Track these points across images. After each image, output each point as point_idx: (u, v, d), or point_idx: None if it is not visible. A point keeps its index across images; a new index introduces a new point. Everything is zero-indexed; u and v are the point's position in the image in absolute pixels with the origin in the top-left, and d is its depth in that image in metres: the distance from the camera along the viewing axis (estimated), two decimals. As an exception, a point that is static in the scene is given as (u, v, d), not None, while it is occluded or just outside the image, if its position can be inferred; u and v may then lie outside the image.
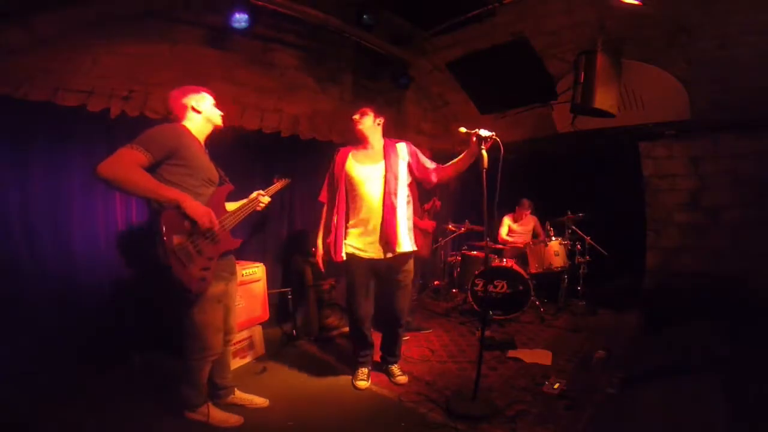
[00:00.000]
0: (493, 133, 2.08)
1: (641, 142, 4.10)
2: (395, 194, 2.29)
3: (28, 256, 2.39)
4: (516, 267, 3.79)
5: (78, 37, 2.33)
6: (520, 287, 3.70)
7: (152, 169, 1.67)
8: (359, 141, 2.40)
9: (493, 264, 3.84)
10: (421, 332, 3.44)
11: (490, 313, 3.67)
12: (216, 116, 1.92)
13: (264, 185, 2.23)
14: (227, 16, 2.64)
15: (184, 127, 1.83)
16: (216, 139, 1.99)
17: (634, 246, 4.15)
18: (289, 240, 3.76)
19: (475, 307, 3.81)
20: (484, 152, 2.08)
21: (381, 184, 2.29)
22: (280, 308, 3.40)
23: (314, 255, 2.47)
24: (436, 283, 4.81)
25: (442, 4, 3.03)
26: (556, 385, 2.32)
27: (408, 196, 2.38)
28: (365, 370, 2.49)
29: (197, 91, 1.90)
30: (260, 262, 2.99)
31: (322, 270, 2.47)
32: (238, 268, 2.17)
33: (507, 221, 4.68)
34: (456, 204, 5.30)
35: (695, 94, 3.33)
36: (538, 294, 3.97)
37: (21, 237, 2.37)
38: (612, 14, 2.81)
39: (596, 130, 3.84)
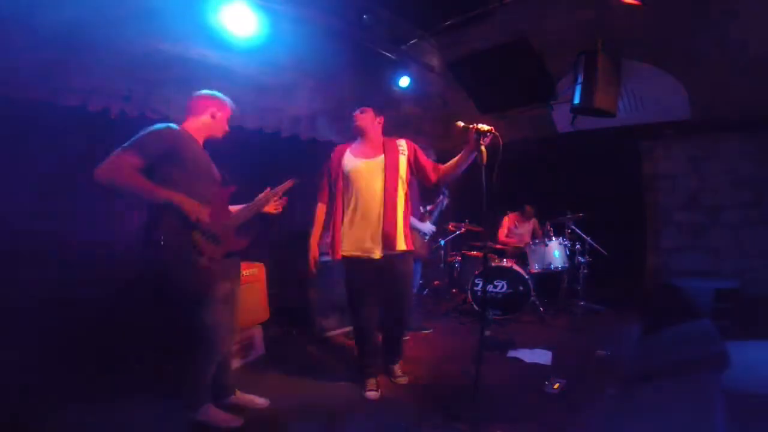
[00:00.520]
0: (492, 128, 2.00)
1: (641, 142, 4.10)
2: (394, 190, 2.24)
3: (28, 255, 2.38)
4: (516, 267, 3.80)
5: (78, 37, 2.33)
6: (520, 287, 3.70)
7: (149, 169, 1.68)
8: (359, 136, 2.36)
9: (493, 264, 3.85)
10: (421, 332, 3.44)
11: (490, 313, 3.67)
12: (221, 130, 1.96)
13: (264, 186, 2.21)
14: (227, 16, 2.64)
15: (182, 127, 1.84)
16: (216, 138, 2.00)
17: (634, 246, 4.15)
18: (289, 240, 3.76)
19: (475, 307, 3.81)
20: (483, 148, 2.01)
21: (381, 177, 2.23)
22: (280, 308, 3.40)
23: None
24: (436, 283, 4.82)
25: (442, 4, 3.02)
26: (556, 385, 2.32)
27: (406, 194, 2.33)
28: (374, 380, 2.36)
29: (223, 101, 1.96)
30: (260, 262, 2.99)
31: (313, 272, 2.38)
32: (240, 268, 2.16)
33: (507, 221, 4.68)
34: (456, 204, 5.29)
35: (695, 94, 3.33)
36: (538, 294, 3.97)
37: (21, 237, 2.37)
38: (612, 14, 2.80)
39: (596, 130, 3.85)
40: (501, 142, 2.02)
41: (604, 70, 2.89)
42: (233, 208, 2.06)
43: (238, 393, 2.18)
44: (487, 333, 3.34)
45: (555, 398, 2.25)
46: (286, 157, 3.45)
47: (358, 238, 2.25)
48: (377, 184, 2.23)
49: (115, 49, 2.48)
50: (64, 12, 2.17)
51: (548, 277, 4.06)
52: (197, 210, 1.70)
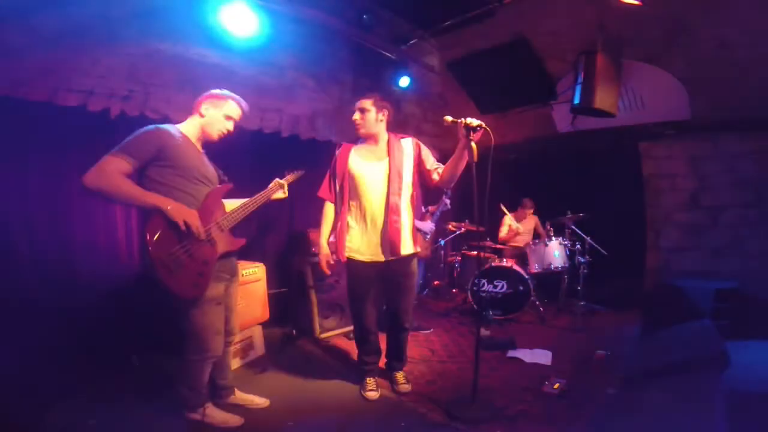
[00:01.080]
0: (482, 123, 1.92)
1: (641, 142, 4.10)
2: (399, 194, 2.18)
3: (28, 255, 2.39)
4: (516, 267, 3.79)
5: (78, 37, 2.33)
6: (520, 287, 3.70)
7: (140, 172, 1.67)
8: (363, 139, 2.30)
9: (493, 264, 3.85)
10: (421, 332, 3.44)
11: (490, 313, 3.67)
12: (215, 129, 1.89)
13: (262, 186, 2.19)
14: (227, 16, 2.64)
15: (173, 127, 1.82)
16: (211, 141, 1.98)
17: (634, 246, 4.15)
18: (289, 240, 3.76)
19: (475, 307, 3.81)
20: (473, 144, 1.94)
21: (384, 182, 2.18)
22: (280, 308, 3.40)
23: (317, 255, 2.37)
24: (436, 283, 4.82)
25: (442, 4, 3.02)
26: (556, 385, 2.32)
27: (412, 195, 2.27)
28: (373, 380, 2.36)
29: (220, 98, 1.91)
30: (260, 262, 2.99)
31: (327, 273, 2.33)
32: (238, 268, 2.16)
33: (508, 221, 4.68)
34: (456, 203, 5.29)
35: (695, 94, 3.33)
36: (538, 294, 3.97)
37: (21, 237, 2.37)
38: (612, 14, 2.80)
39: (596, 130, 3.85)
40: (492, 137, 1.94)
41: (604, 70, 2.89)
42: (233, 202, 2.02)
43: (238, 393, 2.18)
44: (487, 333, 3.34)
45: (555, 398, 2.25)
46: (286, 157, 3.45)
47: (362, 242, 2.21)
48: (381, 189, 2.18)
49: (115, 49, 2.48)
50: (64, 12, 2.17)
51: (548, 277, 4.06)
52: (186, 216, 1.67)
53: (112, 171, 1.59)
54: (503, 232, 4.63)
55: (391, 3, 3.07)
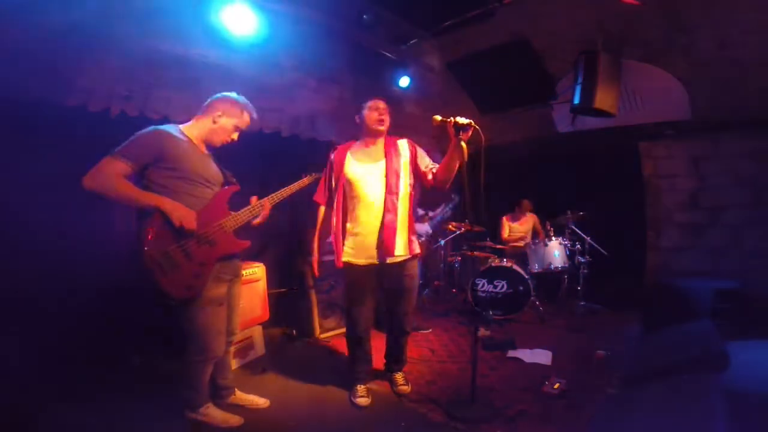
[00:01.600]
0: (471, 121, 1.88)
1: (641, 142, 4.10)
2: (396, 195, 2.15)
3: (27, 255, 2.39)
4: (516, 267, 3.80)
5: (78, 37, 2.33)
6: (520, 287, 3.70)
7: (140, 174, 1.67)
8: (362, 135, 2.27)
9: (493, 264, 3.85)
10: (421, 332, 3.44)
11: (490, 313, 3.67)
12: (219, 137, 1.90)
13: (263, 186, 2.18)
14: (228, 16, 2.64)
15: (175, 128, 1.81)
16: (213, 146, 1.97)
17: (634, 246, 4.15)
18: (289, 240, 3.76)
19: (475, 307, 3.81)
20: (462, 143, 1.91)
21: (382, 183, 2.15)
22: (280, 308, 3.40)
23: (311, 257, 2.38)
24: (436, 283, 4.82)
25: (442, 4, 3.02)
26: (556, 385, 2.32)
27: (410, 196, 2.24)
28: (364, 387, 2.32)
29: (238, 108, 1.91)
30: (260, 262, 2.99)
31: (317, 275, 2.37)
32: (241, 268, 2.14)
33: (506, 222, 4.68)
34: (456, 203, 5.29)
35: (695, 94, 3.33)
36: (538, 294, 3.97)
37: (21, 237, 2.37)
38: (612, 14, 2.81)
39: (596, 130, 3.85)
40: (483, 136, 1.89)
41: (604, 70, 2.89)
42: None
43: (238, 393, 2.18)
44: (487, 333, 3.34)
45: (555, 398, 2.25)
46: (286, 157, 3.45)
47: (359, 245, 2.16)
48: (378, 191, 2.15)
49: (115, 49, 2.48)
50: (65, 12, 2.17)
51: (548, 277, 4.06)
52: (184, 217, 1.66)
53: (111, 173, 1.60)
54: (504, 232, 4.63)
55: (391, 3, 3.07)
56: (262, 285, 2.94)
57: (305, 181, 2.22)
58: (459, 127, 1.88)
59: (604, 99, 2.93)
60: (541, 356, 2.84)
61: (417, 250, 2.26)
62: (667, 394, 1.71)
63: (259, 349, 2.89)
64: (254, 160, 3.36)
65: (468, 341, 3.23)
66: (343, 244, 2.19)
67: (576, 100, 2.99)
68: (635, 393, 1.96)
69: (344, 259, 2.18)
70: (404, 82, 3.78)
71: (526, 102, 3.80)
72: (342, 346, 3.13)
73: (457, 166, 2.05)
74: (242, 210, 1.95)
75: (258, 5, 2.65)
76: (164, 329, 2.32)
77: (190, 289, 1.70)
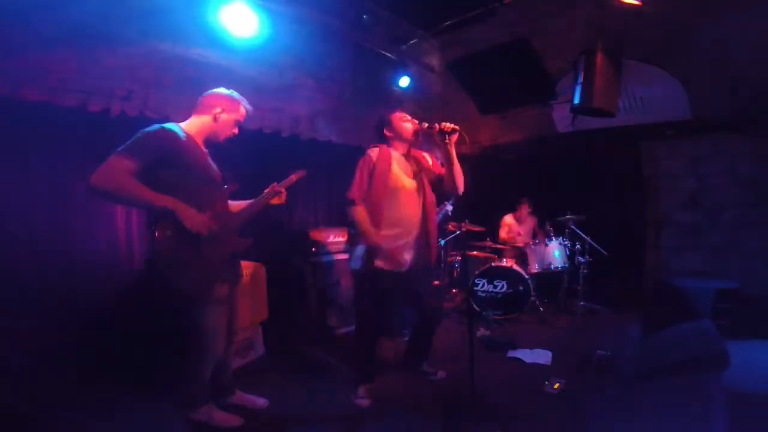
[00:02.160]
0: (456, 126, 1.93)
1: (641, 142, 4.10)
2: (432, 204, 2.26)
3: (28, 255, 2.39)
4: (516, 267, 3.79)
5: (78, 37, 2.33)
6: (520, 287, 3.70)
7: (146, 172, 1.66)
8: (395, 145, 2.25)
9: (493, 264, 3.84)
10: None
11: (491, 313, 3.67)
12: (224, 134, 1.91)
13: (262, 186, 2.20)
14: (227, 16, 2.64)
15: (177, 126, 1.80)
16: (217, 142, 1.98)
17: (634, 246, 4.15)
18: (289, 240, 3.76)
19: (475, 307, 3.81)
20: (448, 147, 1.95)
21: (420, 192, 2.23)
22: (280, 308, 3.40)
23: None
24: (436, 283, 4.81)
25: (442, 4, 3.02)
26: (556, 385, 2.33)
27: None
28: (367, 388, 2.32)
29: (235, 102, 1.91)
30: (260, 262, 2.99)
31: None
32: (242, 268, 2.15)
33: (508, 221, 4.68)
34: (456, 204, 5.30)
35: (695, 94, 3.33)
36: (538, 294, 3.97)
37: (21, 237, 2.37)
38: (612, 14, 2.80)
39: (596, 130, 3.84)
40: (468, 140, 1.98)
41: (604, 70, 2.89)
42: (237, 204, 2.03)
43: (238, 393, 2.18)
44: (487, 333, 3.34)
45: (555, 398, 2.25)
46: (286, 157, 3.45)
47: (394, 252, 2.15)
48: (418, 200, 2.22)
49: (115, 49, 2.48)
50: (65, 12, 2.17)
51: (548, 277, 4.06)
52: (194, 218, 1.65)
53: (119, 170, 1.56)
54: (504, 232, 4.63)
55: (391, 3, 3.06)
56: (262, 285, 2.94)
57: (294, 177, 2.25)
58: (444, 133, 1.93)
59: (604, 99, 2.93)
60: (541, 356, 2.84)
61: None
62: (667, 394, 1.71)
63: (259, 349, 2.89)
64: (254, 160, 3.37)
65: (468, 341, 3.23)
66: (378, 251, 2.14)
67: (576, 100, 2.99)
68: (635, 393, 1.96)
69: (378, 264, 2.15)
70: (404, 82, 3.77)
71: (526, 102, 3.80)
72: (342, 346, 3.14)
73: (458, 167, 2.10)
74: (243, 209, 1.95)
75: (258, 5, 2.64)
76: (165, 329, 2.32)
77: (204, 288, 1.71)
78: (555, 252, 3.84)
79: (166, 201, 1.62)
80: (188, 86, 2.74)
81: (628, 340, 3.16)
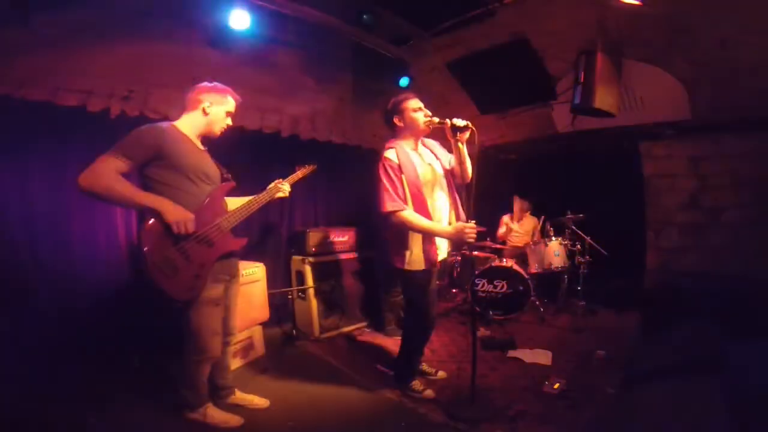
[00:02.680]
0: (469, 123, 1.87)
1: (641, 142, 4.10)
2: (453, 197, 2.18)
3: (28, 256, 2.39)
4: (516, 267, 3.79)
5: (78, 37, 2.33)
6: (520, 287, 3.69)
7: (139, 171, 1.66)
8: (407, 136, 2.14)
9: (493, 264, 3.84)
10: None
11: (491, 312, 3.67)
12: (218, 126, 1.89)
13: (263, 186, 2.18)
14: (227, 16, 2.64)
15: (171, 125, 1.79)
16: (216, 138, 1.97)
17: (634, 246, 4.15)
18: (289, 240, 3.76)
19: (475, 307, 3.80)
20: (460, 145, 1.91)
21: (445, 182, 2.14)
22: (280, 308, 3.40)
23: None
24: (437, 282, 4.81)
25: (442, 4, 3.02)
26: (556, 385, 2.32)
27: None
28: (420, 380, 2.34)
29: (222, 93, 1.88)
30: (260, 262, 2.99)
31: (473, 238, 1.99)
32: (239, 268, 2.14)
33: (505, 220, 4.68)
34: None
35: (695, 94, 3.33)
36: (538, 294, 3.97)
37: (21, 237, 2.37)
38: (612, 14, 2.80)
39: (596, 130, 3.84)
40: (476, 138, 1.91)
41: (604, 70, 2.89)
42: (238, 200, 2.02)
43: (238, 393, 2.18)
44: (487, 333, 3.34)
45: (555, 398, 2.25)
46: (286, 157, 3.45)
47: (432, 250, 2.09)
48: (442, 193, 2.14)
49: (115, 49, 2.48)
50: (64, 12, 2.17)
51: (548, 277, 4.05)
52: (181, 219, 1.63)
53: (107, 171, 1.56)
54: (501, 231, 4.64)
55: (391, 3, 3.06)
56: (262, 285, 2.94)
57: (298, 175, 2.26)
58: (456, 129, 1.89)
59: (604, 99, 2.93)
60: (541, 356, 2.84)
61: None
62: (667, 394, 1.71)
63: (259, 349, 2.89)
64: (254, 160, 3.37)
65: (468, 341, 3.22)
66: (416, 252, 2.09)
67: (576, 100, 2.99)
68: (635, 393, 1.96)
69: (419, 266, 2.11)
70: (404, 82, 3.78)
71: (526, 102, 3.80)
72: (342, 346, 3.14)
73: (468, 163, 2.07)
74: (239, 207, 1.94)
75: (258, 5, 2.64)
76: (164, 329, 2.32)
77: (192, 291, 1.70)
78: (555, 252, 3.83)
79: (152, 201, 1.62)
80: (188, 86, 2.74)
81: (628, 340, 3.16)
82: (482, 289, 3.79)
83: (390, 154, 2.06)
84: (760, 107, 3.16)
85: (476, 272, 3.86)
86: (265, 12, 2.74)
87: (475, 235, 1.92)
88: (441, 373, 2.53)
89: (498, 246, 4.45)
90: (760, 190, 3.57)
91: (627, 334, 3.32)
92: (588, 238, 3.95)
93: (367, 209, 3.16)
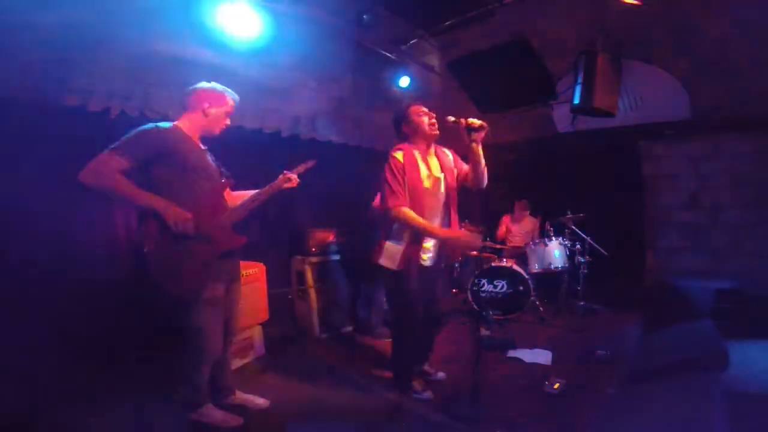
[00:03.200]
0: (484, 123, 1.87)
1: (641, 142, 4.10)
2: (456, 200, 2.20)
3: (28, 255, 2.38)
4: (516, 267, 3.79)
5: (78, 37, 2.33)
6: (520, 287, 3.70)
7: (141, 170, 1.67)
8: (415, 142, 2.16)
9: (493, 264, 3.84)
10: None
11: (491, 313, 3.67)
12: (218, 126, 1.91)
13: (263, 186, 2.18)
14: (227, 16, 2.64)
15: (174, 126, 1.80)
16: (216, 138, 1.98)
17: (634, 246, 4.15)
18: (289, 240, 3.76)
19: (475, 307, 3.81)
20: (474, 146, 1.90)
21: (443, 190, 2.16)
22: (280, 308, 3.40)
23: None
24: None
25: (442, 4, 3.02)
26: (556, 385, 2.32)
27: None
28: (420, 380, 2.32)
29: (221, 94, 1.90)
30: (260, 262, 2.99)
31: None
32: (240, 269, 2.14)
33: (505, 222, 4.68)
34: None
35: (695, 94, 3.33)
36: (538, 294, 3.97)
37: (21, 237, 2.37)
38: (612, 14, 2.80)
39: (596, 130, 3.85)
40: (489, 138, 1.94)
41: (604, 70, 2.89)
42: (243, 194, 2.01)
43: (238, 393, 2.17)
44: (487, 333, 3.34)
45: (555, 398, 2.25)
46: (286, 157, 3.45)
47: (415, 253, 2.10)
48: (442, 198, 2.16)
49: (115, 49, 2.48)
50: (64, 12, 2.17)
51: (548, 277, 4.05)
52: (180, 218, 1.64)
53: (108, 169, 1.58)
54: (501, 231, 4.64)
55: (391, 3, 3.07)
56: (262, 285, 2.94)
57: (300, 169, 2.22)
58: (472, 129, 1.88)
59: (604, 99, 2.93)
60: (541, 356, 2.84)
61: None
62: (667, 394, 1.71)
63: (259, 349, 2.89)
64: (254, 160, 3.37)
65: (468, 341, 3.22)
66: (411, 250, 2.11)
67: (576, 100, 2.99)
68: (635, 393, 1.96)
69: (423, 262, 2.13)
70: (404, 82, 3.78)
71: (526, 102, 3.80)
72: (342, 346, 3.14)
73: (483, 164, 2.07)
74: (241, 203, 1.94)
75: (258, 5, 2.64)
76: (164, 329, 2.32)
77: (193, 290, 1.70)
78: (555, 252, 3.83)
79: (149, 199, 1.63)
80: (188, 86, 2.74)
81: (628, 340, 3.16)
82: (482, 289, 3.79)
83: (397, 154, 2.11)
84: (760, 107, 3.17)
85: (476, 272, 3.86)
86: (266, 12, 2.74)
87: (479, 244, 1.93)
88: (441, 374, 2.52)
89: (498, 246, 4.45)
90: (760, 190, 3.57)
91: (627, 334, 3.32)
92: (588, 238, 3.96)
93: (367, 209, 3.16)
